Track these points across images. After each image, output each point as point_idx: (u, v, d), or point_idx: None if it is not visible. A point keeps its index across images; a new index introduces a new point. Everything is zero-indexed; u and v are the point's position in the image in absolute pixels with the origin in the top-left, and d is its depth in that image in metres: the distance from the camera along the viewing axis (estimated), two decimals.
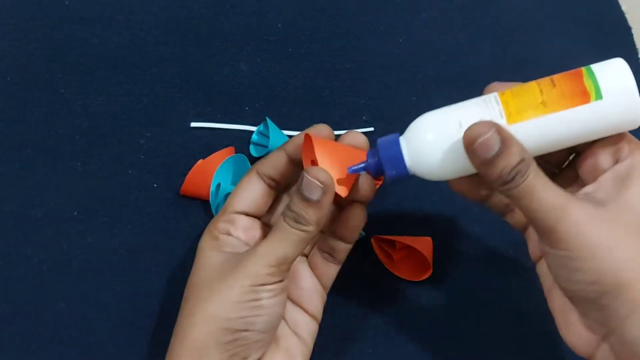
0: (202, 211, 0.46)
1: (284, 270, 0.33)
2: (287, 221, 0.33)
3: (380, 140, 0.35)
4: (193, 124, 0.49)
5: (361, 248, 0.45)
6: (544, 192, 0.31)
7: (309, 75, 0.53)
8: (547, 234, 0.31)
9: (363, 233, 0.44)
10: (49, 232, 0.44)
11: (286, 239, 0.33)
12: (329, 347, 0.42)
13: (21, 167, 0.46)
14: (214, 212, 0.44)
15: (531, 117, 0.32)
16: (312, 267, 0.39)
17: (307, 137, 0.35)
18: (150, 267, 0.43)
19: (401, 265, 0.45)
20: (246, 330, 0.33)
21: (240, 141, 0.49)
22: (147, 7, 0.54)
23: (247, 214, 0.37)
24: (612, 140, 0.32)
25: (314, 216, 0.33)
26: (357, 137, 0.36)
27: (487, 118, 0.32)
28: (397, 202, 0.47)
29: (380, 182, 0.47)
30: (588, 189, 0.32)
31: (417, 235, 0.46)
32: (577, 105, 0.32)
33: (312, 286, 0.38)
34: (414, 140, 0.34)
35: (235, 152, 0.47)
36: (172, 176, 0.47)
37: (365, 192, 0.36)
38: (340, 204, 0.38)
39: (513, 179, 0.31)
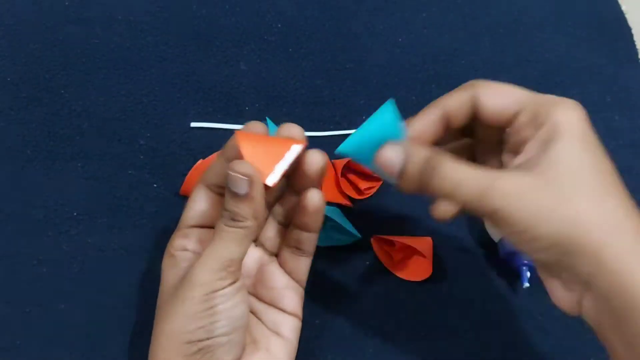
0: None
1: (233, 272, 0.33)
2: (224, 222, 0.33)
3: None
4: (193, 124, 0.49)
5: (361, 248, 0.45)
6: (468, 175, 0.31)
7: (309, 75, 0.53)
8: (488, 218, 0.31)
9: (358, 235, 0.44)
10: (49, 232, 0.44)
11: (227, 240, 0.33)
12: (329, 347, 0.42)
13: (21, 168, 0.46)
14: None
15: None
16: (282, 265, 0.38)
17: (236, 135, 0.35)
18: (150, 267, 0.43)
19: (401, 265, 0.45)
20: (208, 339, 0.32)
21: None
22: (147, 7, 0.54)
23: (201, 226, 0.37)
24: (530, 110, 0.32)
25: (248, 210, 0.33)
26: (292, 128, 0.36)
27: None
28: (397, 202, 0.47)
29: (380, 183, 0.47)
30: (516, 160, 0.32)
31: (417, 235, 0.46)
32: None
33: (284, 284, 0.38)
34: None
35: None
36: (172, 176, 0.47)
37: (312, 170, 0.35)
38: (296, 191, 0.37)
39: (431, 178, 0.31)
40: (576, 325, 0.43)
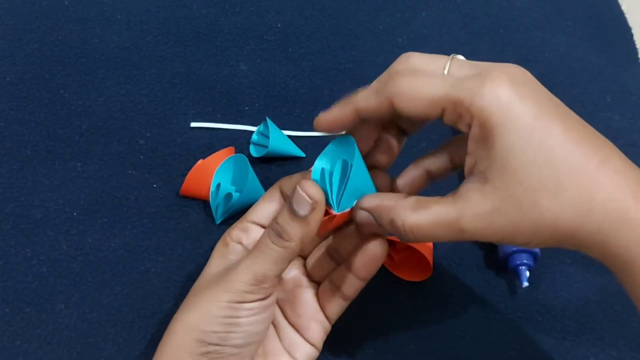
0: (202, 211, 0.46)
1: (265, 289, 0.32)
2: (269, 236, 0.32)
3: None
4: (193, 124, 0.49)
5: None
6: (435, 227, 0.30)
7: (309, 75, 0.53)
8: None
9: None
10: (48, 232, 0.44)
11: (266, 255, 0.32)
12: (329, 348, 0.42)
13: (21, 168, 0.46)
14: (214, 212, 0.44)
15: None
16: (318, 295, 0.37)
17: None
18: (150, 267, 0.43)
19: (401, 265, 0.45)
20: (219, 345, 0.32)
21: (240, 141, 0.49)
22: (147, 7, 0.54)
23: (262, 226, 0.37)
24: (451, 110, 0.29)
25: (298, 232, 0.32)
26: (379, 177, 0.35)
27: None
28: None
29: None
30: (468, 162, 0.30)
31: None
32: None
33: (311, 315, 0.37)
34: None
35: (235, 152, 0.47)
36: (172, 176, 0.47)
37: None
38: (362, 236, 0.36)
39: (400, 237, 0.31)
40: (576, 325, 0.43)
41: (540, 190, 0.28)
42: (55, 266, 0.43)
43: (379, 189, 0.34)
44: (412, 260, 0.45)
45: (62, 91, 0.49)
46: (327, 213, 0.33)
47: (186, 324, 0.33)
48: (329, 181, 0.33)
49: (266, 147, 0.47)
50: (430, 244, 0.45)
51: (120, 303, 0.42)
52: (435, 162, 0.35)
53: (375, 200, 0.33)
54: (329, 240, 0.38)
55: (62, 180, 0.46)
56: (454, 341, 0.43)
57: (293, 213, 0.32)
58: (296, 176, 0.37)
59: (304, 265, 0.39)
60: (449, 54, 0.57)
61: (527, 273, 0.42)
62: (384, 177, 0.35)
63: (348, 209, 0.33)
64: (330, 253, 0.38)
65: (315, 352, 0.37)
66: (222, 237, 0.37)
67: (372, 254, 0.35)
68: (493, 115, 0.28)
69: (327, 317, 0.37)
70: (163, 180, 0.47)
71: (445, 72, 0.30)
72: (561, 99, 0.30)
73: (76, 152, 0.47)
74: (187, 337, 0.32)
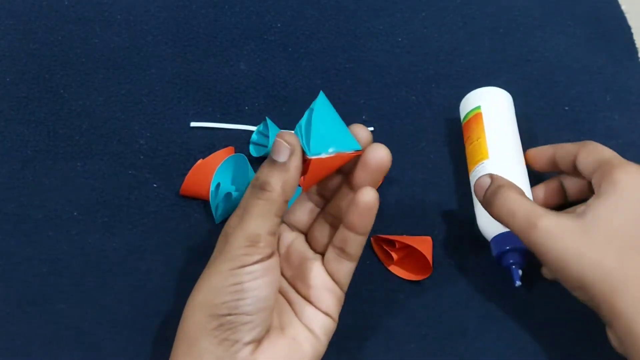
0: (202, 211, 0.46)
1: (261, 248, 0.33)
2: (252, 193, 0.33)
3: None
4: (193, 124, 0.49)
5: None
6: (518, 213, 0.36)
7: (309, 75, 0.53)
8: (527, 245, 0.36)
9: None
10: (49, 232, 0.44)
11: (252, 213, 0.33)
12: (329, 347, 0.42)
13: (21, 168, 0.46)
14: (213, 212, 0.44)
15: None
16: (325, 264, 0.38)
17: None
18: (150, 267, 0.43)
19: (401, 265, 0.45)
20: (229, 315, 0.32)
21: (240, 141, 0.49)
22: (147, 7, 0.54)
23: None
24: (599, 171, 0.37)
25: (279, 180, 0.33)
26: (359, 129, 0.36)
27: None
28: (397, 202, 0.47)
29: (380, 182, 0.47)
30: (579, 209, 0.36)
31: (417, 235, 0.46)
32: None
33: (322, 284, 0.37)
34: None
35: (235, 152, 0.47)
36: (172, 176, 0.47)
37: (372, 163, 0.36)
38: (353, 190, 0.37)
39: (490, 196, 0.38)
40: (576, 325, 0.43)
41: (615, 245, 0.34)
42: (56, 266, 0.43)
43: (358, 139, 0.36)
44: (411, 260, 0.45)
45: (62, 91, 0.49)
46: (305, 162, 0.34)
47: (195, 304, 0.33)
48: (300, 131, 0.35)
49: (266, 146, 0.47)
50: (430, 244, 0.45)
51: (121, 302, 0.42)
52: (574, 182, 0.44)
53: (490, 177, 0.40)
54: (327, 209, 0.39)
55: (62, 180, 0.46)
56: (454, 341, 0.43)
57: (272, 163, 0.33)
58: None
59: (306, 241, 0.39)
60: (449, 54, 0.57)
61: (520, 272, 0.42)
62: (364, 129, 0.36)
63: (325, 155, 0.34)
64: (327, 220, 0.38)
65: (331, 323, 0.37)
66: (223, 229, 0.38)
67: (363, 204, 0.35)
68: (619, 183, 0.35)
69: (337, 284, 0.38)
70: (163, 180, 0.47)
71: None
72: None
73: (76, 152, 0.47)
74: (198, 316, 0.33)
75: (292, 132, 0.34)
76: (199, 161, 0.45)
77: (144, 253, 0.44)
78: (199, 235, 0.45)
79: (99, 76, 0.50)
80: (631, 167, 0.36)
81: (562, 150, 0.42)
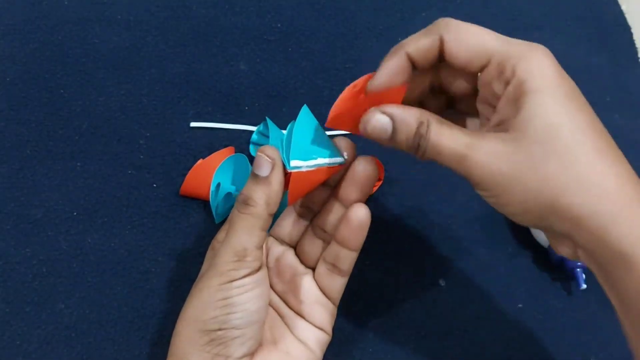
0: (202, 211, 0.46)
1: (249, 262, 0.33)
2: (236, 207, 0.34)
3: None
4: (193, 124, 0.49)
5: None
6: (448, 143, 0.31)
7: (309, 75, 0.53)
8: (468, 180, 0.31)
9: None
10: (48, 232, 0.44)
11: (238, 229, 0.33)
12: (329, 347, 0.42)
13: (21, 167, 0.46)
14: (214, 212, 0.44)
15: None
16: (316, 279, 0.38)
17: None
18: (150, 267, 0.43)
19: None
20: (220, 329, 0.32)
21: (240, 141, 0.49)
22: (147, 7, 0.54)
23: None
24: (496, 63, 0.31)
25: (262, 195, 0.33)
26: (342, 141, 0.36)
27: None
28: (396, 202, 0.47)
29: (380, 183, 0.47)
30: (492, 119, 0.32)
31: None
32: None
33: (314, 299, 0.37)
34: None
35: (235, 152, 0.47)
36: (172, 176, 0.47)
37: (358, 177, 0.36)
38: (343, 204, 0.37)
39: (419, 145, 0.31)
40: (576, 325, 0.43)
41: (555, 159, 0.28)
42: (55, 266, 0.43)
43: (342, 152, 0.35)
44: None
45: (62, 91, 0.49)
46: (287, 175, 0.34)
47: (186, 319, 0.33)
48: (282, 145, 0.35)
49: None
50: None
51: (120, 303, 0.42)
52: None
53: (399, 108, 0.32)
54: (314, 222, 0.39)
55: (62, 180, 0.46)
56: (454, 341, 0.43)
57: (255, 178, 0.34)
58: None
59: (296, 255, 0.39)
60: None
61: (584, 275, 0.42)
62: (347, 142, 0.36)
63: (305, 169, 0.34)
64: (316, 234, 0.38)
65: (325, 336, 0.37)
66: (211, 243, 0.38)
67: (355, 220, 0.35)
68: (535, 79, 0.29)
69: (329, 298, 0.38)
70: (163, 180, 0.47)
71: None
72: None
73: (76, 152, 0.47)
74: (189, 331, 0.33)
75: (274, 146, 0.34)
76: (199, 161, 0.45)
77: (143, 253, 0.44)
78: (199, 235, 0.45)
79: (99, 76, 0.50)
80: (535, 52, 0.30)
81: (416, 47, 0.33)
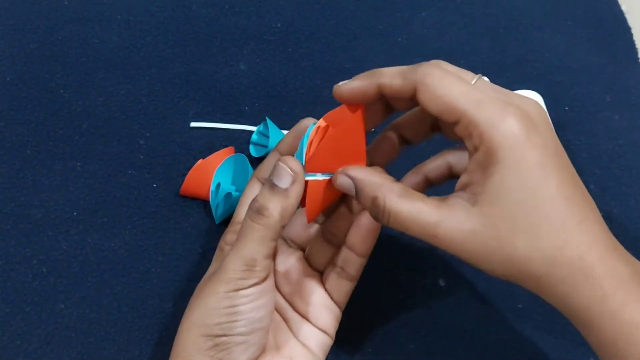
0: (202, 211, 0.46)
1: (257, 272, 0.33)
2: (249, 216, 0.33)
3: None
4: (193, 124, 0.49)
5: None
6: (413, 221, 0.31)
7: (309, 75, 0.53)
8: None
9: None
10: (48, 232, 0.44)
11: (249, 237, 0.32)
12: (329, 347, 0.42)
13: (21, 168, 0.46)
14: (214, 212, 0.44)
15: None
16: (324, 282, 0.38)
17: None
18: (150, 267, 0.43)
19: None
20: (224, 336, 0.32)
21: (240, 141, 0.49)
22: (147, 7, 0.54)
23: None
24: (465, 125, 0.30)
25: (278, 205, 0.32)
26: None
27: None
28: None
29: None
30: (463, 178, 0.32)
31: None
32: None
33: (320, 302, 0.37)
34: None
35: (235, 152, 0.47)
36: (172, 176, 0.47)
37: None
38: (353, 210, 0.37)
39: (377, 217, 0.32)
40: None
41: (521, 232, 0.29)
42: (55, 266, 0.43)
43: None
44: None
45: (62, 91, 0.49)
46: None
47: (190, 323, 0.33)
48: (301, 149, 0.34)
49: (266, 147, 0.47)
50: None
51: (120, 303, 0.42)
52: (434, 169, 0.37)
53: (364, 173, 0.33)
54: (325, 226, 0.38)
55: (62, 180, 0.46)
56: (454, 341, 0.43)
57: (273, 187, 0.32)
58: (268, 159, 0.38)
59: (305, 257, 0.39)
60: (449, 54, 0.57)
61: None
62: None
63: (321, 177, 0.33)
64: (327, 238, 0.38)
65: (328, 340, 0.37)
66: (218, 244, 0.38)
67: (366, 227, 0.35)
68: (502, 150, 0.29)
69: (335, 302, 0.38)
70: (163, 180, 0.47)
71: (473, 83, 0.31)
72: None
73: (76, 152, 0.47)
74: (193, 335, 0.33)
75: (297, 159, 0.33)
76: (199, 161, 0.45)
77: (143, 253, 0.44)
78: (199, 235, 0.45)
79: (98, 76, 0.50)
80: (507, 117, 0.29)
81: (390, 81, 0.33)
